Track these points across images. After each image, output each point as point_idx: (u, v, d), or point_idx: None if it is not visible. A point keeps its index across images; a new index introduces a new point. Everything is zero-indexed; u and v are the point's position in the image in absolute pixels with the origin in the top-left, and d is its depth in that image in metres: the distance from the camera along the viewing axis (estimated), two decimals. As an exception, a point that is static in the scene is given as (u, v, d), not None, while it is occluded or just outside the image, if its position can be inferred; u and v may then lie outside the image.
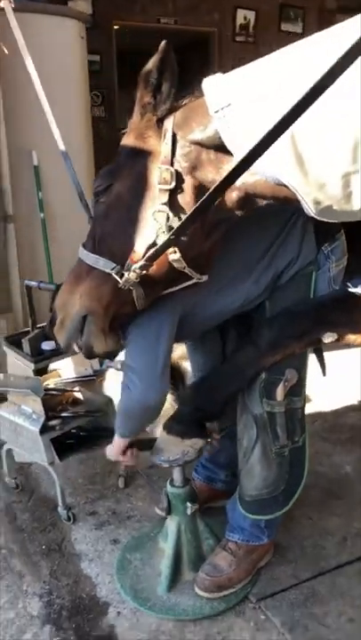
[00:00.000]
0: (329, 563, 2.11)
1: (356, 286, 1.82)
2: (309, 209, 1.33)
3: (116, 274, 1.46)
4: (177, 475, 2.01)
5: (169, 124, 1.43)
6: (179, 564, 2.02)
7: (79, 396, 2.73)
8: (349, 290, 1.83)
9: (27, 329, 2.55)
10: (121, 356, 3.05)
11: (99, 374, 2.69)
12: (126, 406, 1.81)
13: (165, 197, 1.41)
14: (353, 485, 2.56)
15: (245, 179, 1.32)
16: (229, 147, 1.34)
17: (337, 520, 2.33)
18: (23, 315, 3.62)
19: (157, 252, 1.40)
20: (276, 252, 1.75)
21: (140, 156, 1.46)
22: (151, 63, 1.37)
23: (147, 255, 1.42)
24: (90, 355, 1.62)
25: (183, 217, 1.39)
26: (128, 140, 1.51)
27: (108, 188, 1.52)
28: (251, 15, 5.91)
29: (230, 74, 1.40)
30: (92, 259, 1.51)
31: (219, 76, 1.40)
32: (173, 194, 1.42)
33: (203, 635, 1.84)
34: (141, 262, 1.43)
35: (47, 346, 2.45)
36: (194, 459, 1.91)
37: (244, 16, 5.87)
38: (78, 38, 3.77)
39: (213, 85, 1.37)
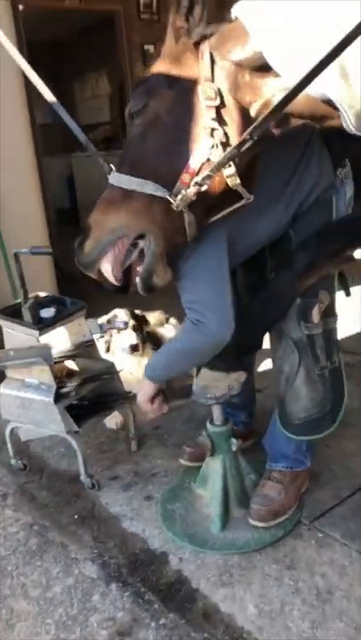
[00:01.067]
0: None
1: None
2: (350, 123, 1.37)
3: (170, 195, 1.42)
4: (217, 413, 2.01)
5: (205, 46, 1.42)
6: (227, 501, 2.04)
7: (73, 366, 2.65)
8: None
9: (17, 301, 2.43)
10: (122, 316, 3.00)
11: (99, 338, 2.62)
12: (197, 343, 1.74)
13: (213, 113, 1.41)
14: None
15: None
16: (274, 66, 1.35)
17: (352, 444, 2.44)
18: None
19: (220, 164, 1.39)
20: (301, 176, 1.79)
21: (179, 78, 1.44)
22: None
23: (208, 168, 1.40)
24: (147, 286, 1.53)
25: (231, 133, 1.41)
26: (163, 63, 1.48)
27: (143, 109, 1.47)
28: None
29: None
30: (135, 182, 1.44)
31: (249, 1, 1.41)
32: (219, 110, 1.42)
33: (271, 560, 1.88)
34: (205, 173, 1.40)
35: (46, 313, 2.36)
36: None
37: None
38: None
39: (248, 9, 1.38)
